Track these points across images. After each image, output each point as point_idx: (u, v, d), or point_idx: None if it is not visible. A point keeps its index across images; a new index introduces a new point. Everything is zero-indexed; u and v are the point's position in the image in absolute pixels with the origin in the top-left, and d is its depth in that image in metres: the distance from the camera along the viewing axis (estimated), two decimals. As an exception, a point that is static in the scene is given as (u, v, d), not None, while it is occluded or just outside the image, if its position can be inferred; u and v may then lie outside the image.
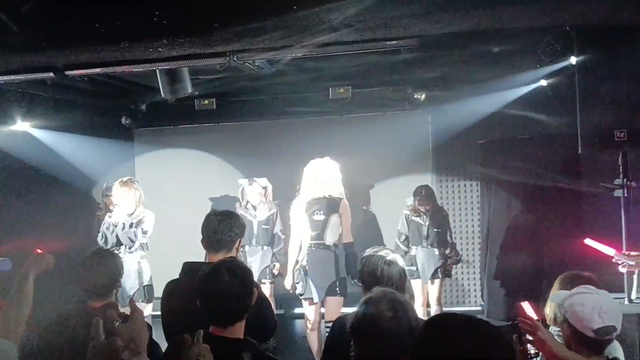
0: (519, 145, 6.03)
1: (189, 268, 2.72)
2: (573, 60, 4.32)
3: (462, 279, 6.70)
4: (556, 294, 2.36)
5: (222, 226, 2.72)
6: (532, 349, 2.15)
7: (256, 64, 4.61)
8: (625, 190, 3.93)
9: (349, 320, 1.93)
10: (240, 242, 2.79)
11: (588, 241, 2.76)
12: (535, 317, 2.43)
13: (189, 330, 1.74)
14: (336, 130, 6.57)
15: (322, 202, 4.85)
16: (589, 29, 3.76)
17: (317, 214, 4.83)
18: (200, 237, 2.77)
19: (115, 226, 5.12)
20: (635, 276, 2.44)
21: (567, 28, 3.88)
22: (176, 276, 2.80)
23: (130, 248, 5.11)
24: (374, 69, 5.36)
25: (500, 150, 6.13)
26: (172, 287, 2.76)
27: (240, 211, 5.76)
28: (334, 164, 4.99)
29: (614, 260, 2.69)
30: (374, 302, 1.88)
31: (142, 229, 5.11)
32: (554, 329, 2.53)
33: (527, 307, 2.55)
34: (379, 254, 2.52)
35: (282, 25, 3.35)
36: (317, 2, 3.01)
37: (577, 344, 2.13)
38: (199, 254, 2.82)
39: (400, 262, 2.54)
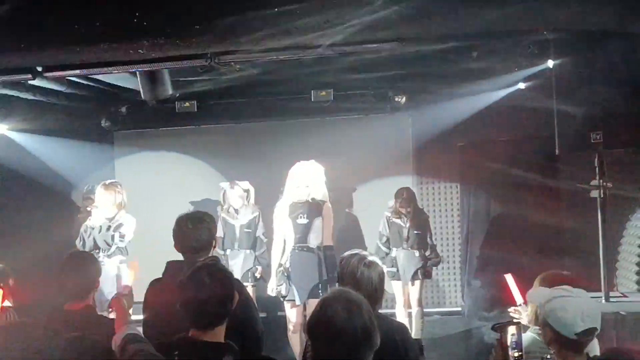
0: (497, 147, 6.18)
1: (173, 267, 2.73)
2: (550, 63, 4.51)
3: (443, 280, 6.82)
4: (534, 293, 2.40)
5: (195, 233, 2.74)
6: (515, 353, 2.17)
7: (237, 66, 4.63)
8: (601, 190, 4.04)
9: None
10: (215, 241, 2.84)
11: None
12: (518, 293, 2.45)
13: (168, 331, 1.76)
14: (318, 133, 6.65)
15: (305, 206, 4.94)
16: (566, 34, 3.84)
17: (300, 217, 4.93)
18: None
19: (93, 229, 5.11)
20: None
21: (545, 32, 3.95)
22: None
23: (107, 252, 5.09)
24: (355, 72, 5.44)
25: (480, 152, 6.31)
26: (154, 286, 2.77)
27: (222, 214, 5.87)
28: (319, 167, 5.07)
29: (511, 310, 2.82)
30: (329, 302, 1.89)
31: (120, 232, 5.12)
32: (534, 329, 2.57)
33: (510, 280, 2.54)
34: (358, 256, 2.56)
35: (263, 27, 3.39)
36: (297, 5, 3.04)
37: (559, 346, 2.20)
38: (180, 259, 2.83)
39: (380, 263, 2.60)
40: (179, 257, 2.82)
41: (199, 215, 2.82)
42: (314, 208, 4.94)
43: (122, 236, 5.11)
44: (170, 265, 2.76)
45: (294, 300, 4.87)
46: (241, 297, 2.29)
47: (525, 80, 5.53)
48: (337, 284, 2.68)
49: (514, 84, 5.65)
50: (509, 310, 2.77)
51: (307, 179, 4.95)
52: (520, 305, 2.94)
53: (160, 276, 2.79)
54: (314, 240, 4.92)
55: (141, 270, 5.25)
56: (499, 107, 5.89)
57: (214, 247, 2.83)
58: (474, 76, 5.56)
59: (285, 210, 4.98)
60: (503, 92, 5.80)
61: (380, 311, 2.55)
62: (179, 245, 2.77)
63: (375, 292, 2.50)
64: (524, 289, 3.33)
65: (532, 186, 5.77)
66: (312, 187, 4.97)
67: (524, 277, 5.16)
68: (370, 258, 2.56)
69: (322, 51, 3.99)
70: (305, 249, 4.91)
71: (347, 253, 2.62)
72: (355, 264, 2.52)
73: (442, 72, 5.56)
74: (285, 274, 4.93)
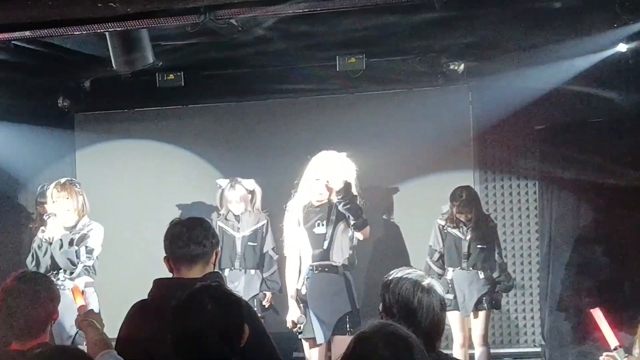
0: (589, 132, 6.11)
1: (163, 287, 2.77)
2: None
3: (516, 310, 6.72)
4: None
5: (193, 235, 2.79)
6: None
7: (239, 25, 4.68)
8: None
9: None
10: (217, 255, 2.89)
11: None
12: (611, 333, 2.43)
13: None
14: (345, 113, 6.68)
15: (324, 209, 4.96)
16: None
17: (318, 225, 4.95)
18: (164, 254, 2.87)
19: (50, 244, 5.19)
20: None
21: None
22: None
23: (71, 273, 5.18)
24: (394, 31, 5.40)
25: (565, 138, 6.25)
26: (139, 312, 2.79)
27: (218, 223, 5.92)
28: (349, 163, 5.08)
29: (603, 358, 3.02)
30: (367, 339, 1.86)
31: (87, 247, 5.19)
32: None
33: (599, 316, 2.56)
34: (411, 277, 2.49)
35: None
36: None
37: None
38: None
39: (440, 289, 2.55)
40: (164, 274, 2.88)
41: (197, 220, 2.89)
42: (336, 210, 4.94)
43: (89, 251, 5.19)
44: (160, 285, 2.80)
45: (314, 338, 4.87)
46: (258, 329, 2.32)
47: (627, 40, 5.46)
48: (381, 316, 2.57)
49: (612, 45, 5.58)
50: (601, 358, 2.77)
51: (330, 172, 4.94)
52: (615, 349, 2.96)
53: (145, 298, 2.84)
54: (338, 256, 4.93)
55: (111, 296, 5.42)
56: (591, 77, 5.83)
57: (215, 263, 2.88)
58: (556, 35, 5.48)
59: (297, 215, 4.99)
60: (597, 57, 5.73)
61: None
62: (172, 257, 2.82)
63: (438, 328, 2.46)
64: (625, 325, 3.44)
65: (638, 183, 5.72)
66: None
67: (626, 307, 5.13)
68: (427, 281, 2.49)
69: (350, 3, 4.03)
70: (326, 268, 4.92)
71: (394, 273, 2.55)
72: (409, 289, 2.45)
73: (513, 30, 5.50)
74: (303, 303, 4.94)
